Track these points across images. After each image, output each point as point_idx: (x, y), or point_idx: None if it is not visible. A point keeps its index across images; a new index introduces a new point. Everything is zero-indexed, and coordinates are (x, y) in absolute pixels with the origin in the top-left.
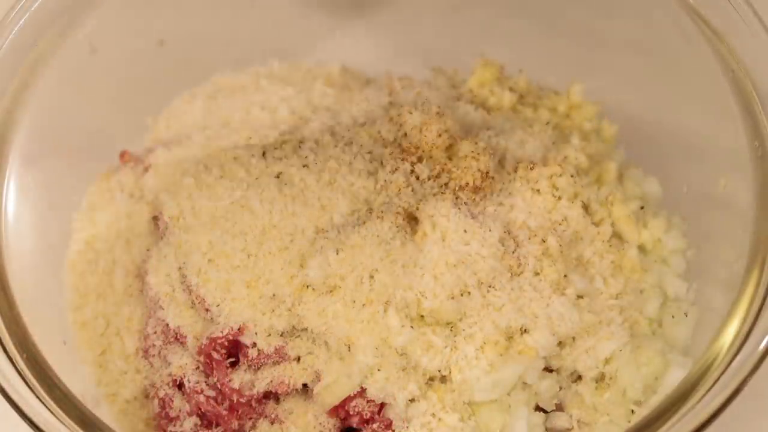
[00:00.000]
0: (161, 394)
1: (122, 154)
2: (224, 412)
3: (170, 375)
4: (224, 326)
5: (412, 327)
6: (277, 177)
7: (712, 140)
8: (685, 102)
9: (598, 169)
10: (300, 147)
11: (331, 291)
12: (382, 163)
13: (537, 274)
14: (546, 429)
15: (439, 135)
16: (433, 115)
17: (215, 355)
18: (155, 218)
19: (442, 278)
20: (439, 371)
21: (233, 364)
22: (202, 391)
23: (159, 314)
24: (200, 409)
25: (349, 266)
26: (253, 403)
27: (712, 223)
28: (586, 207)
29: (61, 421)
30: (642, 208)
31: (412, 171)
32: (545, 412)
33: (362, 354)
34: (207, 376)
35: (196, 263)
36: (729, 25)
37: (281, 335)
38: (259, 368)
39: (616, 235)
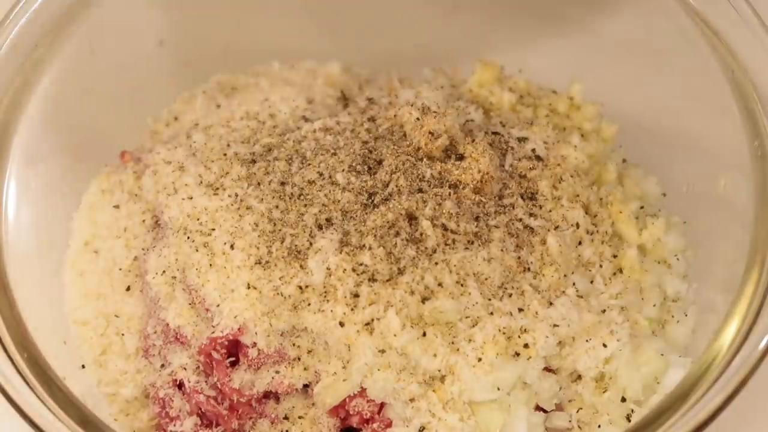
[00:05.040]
0: (161, 394)
1: (122, 154)
2: (224, 412)
3: (170, 375)
4: (224, 326)
5: (412, 327)
6: (277, 176)
7: (712, 140)
8: (685, 102)
9: (598, 169)
10: (300, 147)
11: (331, 291)
12: (382, 163)
13: (537, 274)
14: (546, 429)
15: (439, 135)
16: (433, 115)
17: (215, 355)
18: (155, 218)
19: (442, 278)
20: (439, 371)
21: (233, 364)
22: (202, 391)
23: (159, 314)
24: (200, 409)
25: (349, 266)
26: (253, 403)
27: (712, 223)
28: (586, 207)
29: (61, 421)
30: (642, 208)
31: (412, 171)
32: (545, 412)
33: (362, 354)
34: (207, 376)
35: (196, 263)
36: (729, 25)
37: (281, 335)
38: (259, 368)
39: (616, 235)
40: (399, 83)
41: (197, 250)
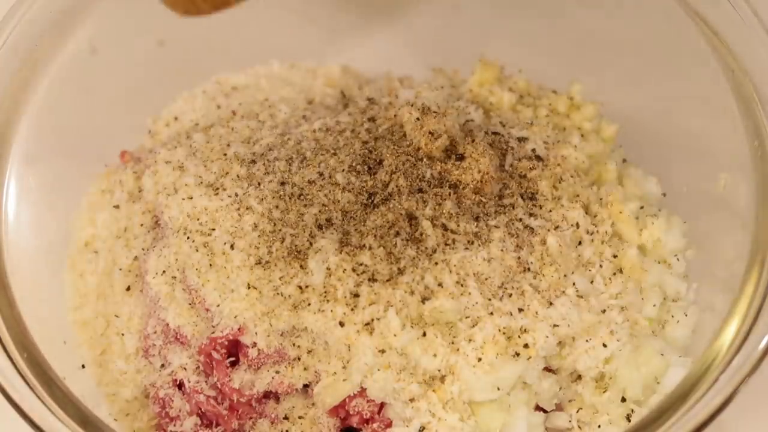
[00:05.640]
0: (161, 394)
1: (122, 154)
2: (224, 412)
3: (170, 375)
4: (224, 326)
5: (412, 327)
6: (277, 176)
7: (712, 140)
8: (685, 102)
9: (598, 169)
10: (300, 147)
11: (331, 291)
12: (382, 163)
13: (537, 274)
14: (546, 429)
15: (439, 135)
16: (432, 115)
17: (215, 355)
18: (155, 218)
19: (442, 278)
20: (439, 371)
21: (233, 364)
22: (202, 391)
23: (159, 314)
24: (200, 409)
25: (349, 266)
26: (253, 403)
27: (712, 223)
28: (586, 207)
29: (61, 421)
30: (642, 208)
31: (412, 171)
32: (545, 412)
33: (362, 354)
34: (207, 376)
35: (196, 263)
36: (729, 25)
37: (281, 335)
38: (259, 368)
39: (616, 235)
40: (399, 83)
41: (197, 250)
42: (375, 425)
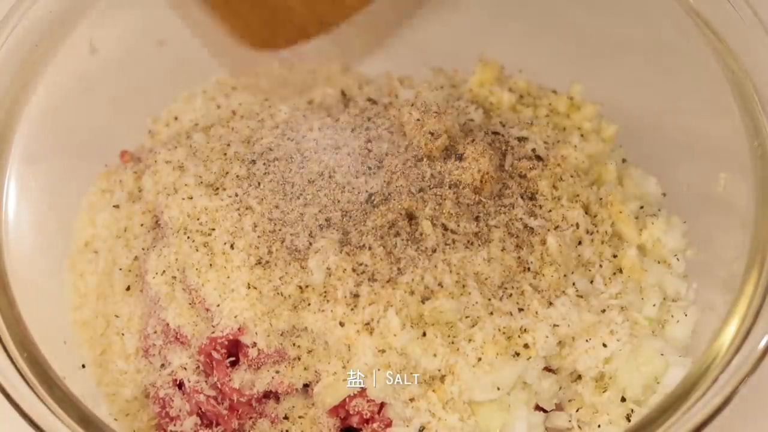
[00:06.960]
0: (161, 394)
1: (122, 154)
2: (224, 412)
3: (170, 375)
4: (224, 326)
5: (412, 327)
6: (277, 176)
7: (712, 140)
8: (685, 102)
9: (598, 169)
10: (300, 146)
11: (331, 291)
12: (382, 163)
13: (537, 274)
14: (546, 429)
15: (439, 135)
16: (432, 114)
17: (215, 355)
18: (155, 218)
19: (442, 278)
20: (439, 371)
21: (233, 364)
22: (202, 391)
23: (159, 314)
24: (200, 409)
25: (349, 266)
26: (253, 403)
27: (712, 223)
28: (586, 207)
29: (61, 421)
30: (642, 208)
31: (412, 171)
32: (545, 412)
33: (362, 354)
34: (207, 375)
35: (196, 263)
36: (729, 25)
37: (281, 335)
38: (259, 368)
39: (616, 235)
40: (399, 83)
41: (197, 250)
42: (375, 425)
